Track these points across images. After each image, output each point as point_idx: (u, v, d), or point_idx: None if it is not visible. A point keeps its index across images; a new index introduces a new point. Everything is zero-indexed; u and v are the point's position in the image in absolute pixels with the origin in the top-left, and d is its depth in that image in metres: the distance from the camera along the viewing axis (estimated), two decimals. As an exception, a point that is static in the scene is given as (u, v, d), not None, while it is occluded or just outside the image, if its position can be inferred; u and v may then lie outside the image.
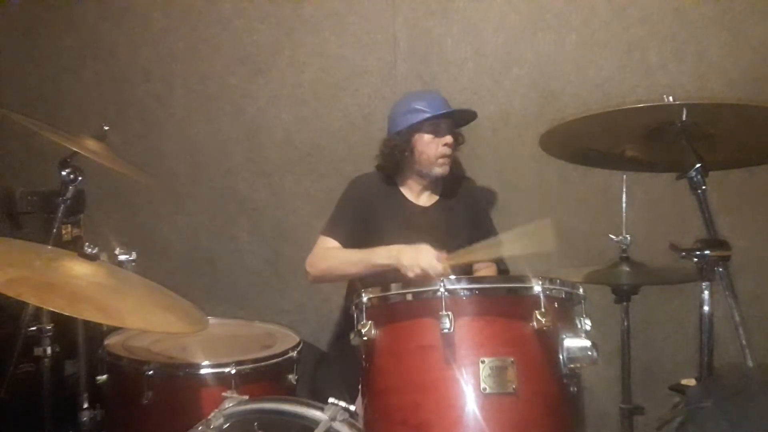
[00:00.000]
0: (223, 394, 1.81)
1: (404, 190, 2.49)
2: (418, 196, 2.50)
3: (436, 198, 2.51)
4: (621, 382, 2.34)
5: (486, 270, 2.53)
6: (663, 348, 2.79)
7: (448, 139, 2.40)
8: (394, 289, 1.60)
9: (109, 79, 3.27)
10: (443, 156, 2.40)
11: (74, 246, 2.39)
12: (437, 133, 2.40)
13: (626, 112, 1.69)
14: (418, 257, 2.06)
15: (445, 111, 2.41)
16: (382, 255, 2.17)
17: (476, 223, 2.50)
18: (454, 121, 2.46)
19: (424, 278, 2.02)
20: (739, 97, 2.64)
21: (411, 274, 2.05)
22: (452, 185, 2.54)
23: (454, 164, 2.52)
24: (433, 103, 2.42)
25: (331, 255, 2.32)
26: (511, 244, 2.12)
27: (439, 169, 2.42)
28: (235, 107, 3.16)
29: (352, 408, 1.65)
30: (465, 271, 2.45)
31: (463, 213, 2.49)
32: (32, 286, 1.50)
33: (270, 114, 3.13)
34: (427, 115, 2.38)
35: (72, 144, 2.03)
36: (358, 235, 2.32)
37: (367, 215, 2.39)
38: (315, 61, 3.08)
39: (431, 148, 2.40)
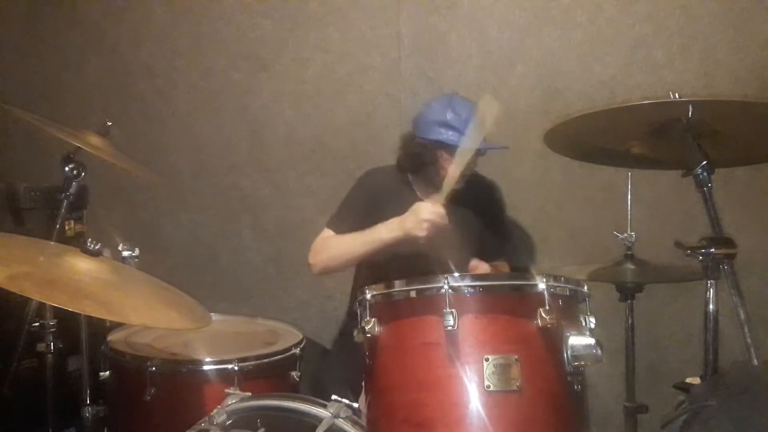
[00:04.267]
0: (226, 390, 1.81)
1: (416, 188, 2.48)
2: (430, 194, 2.47)
3: None
4: (625, 380, 2.34)
5: (499, 268, 2.51)
6: (667, 346, 2.79)
7: (470, 170, 2.36)
8: (398, 286, 1.59)
9: (112, 75, 3.27)
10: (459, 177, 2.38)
11: (77, 242, 2.39)
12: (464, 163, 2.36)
13: (632, 109, 1.69)
14: (419, 215, 2.10)
15: (479, 146, 2.30)
16: (385, 230, 2.19)
17: (487, 221, 2.48)
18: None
19: (434, 232, 2.08)
20: (745, 94, 2.63)
21: (422, 233, 2.07)
22: (464, 184, 2.50)
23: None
24: (472, 130, 2.28)
25: (332, 243, 2.33)
26: (471, 139, 2.16)
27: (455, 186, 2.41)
28: (238, 103, 3.16)
29: (356, 405, 1.65)
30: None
31: (474, 211, 2.47)
32: (35, 282, 1.50)
33: (273, 110, 3.13)
34: (458, 141, 2.29)
35: (75, 140, 2.02)
36: (363, 230, 2.31)
37: (375, 210, 2.38)
38: (319, 58, 3.07)
39: (453, 169, 2.37)
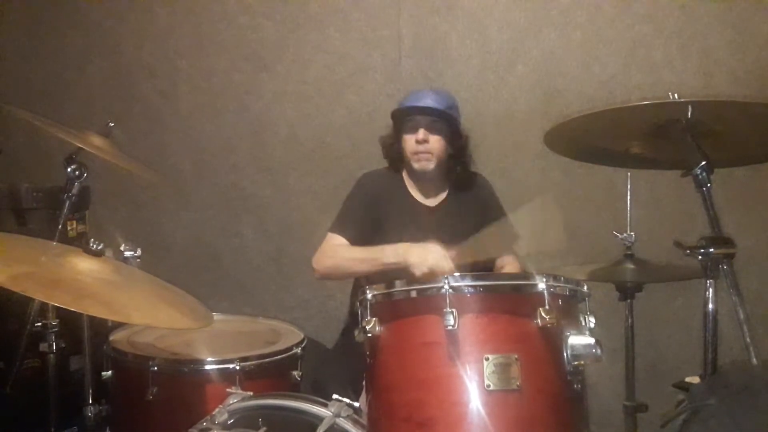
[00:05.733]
0: (228, 390, 1.82)
1: (411, 188, 2.48)
2: (426, 194, 2.47)
3: (444, 196, 2.48)
4: (625, 379, 2.34)
5: (510, 267, 2.49)
6: (667, 345, 2.79)
7: (419, 135, 2.35)
8: (399, 286, 1.59)
9: (114, 76, 3.27)
10: (416, 153, 2.37)
11: (79, 242, 2.41)
12: (411, 129, 2.38)
13: (631, 110, 1.69)
14: (426, 256, 2.04)
15: (407, 105, 2.39)
16: (390, 253, 2.16)
17: (486, 221, 2.46)
18: (447, 118, 2.40)
19: (431, 277, 2.02)
20: (744, 94, 2.64)
21: (418, 273, 2.04)
22: (462, 182, 2.50)
23: (463, 162, 2.48)
24: (419, 99, 2.37)
25: (338, 252, 2.32)
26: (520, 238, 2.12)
27: (416, 165, 2.38)
28: (239, 104, 3.16)
29: (356, 404, 1.65)
30: (486, 268, 2.44)
31: (473, 211, 2.46)
32: (38, 282, 1.51)
33: (274, 111, 3.13)
34: (399, 108, 2.40)
35: (77, 140, 2.03)
36: (366, 233, 2.32)
37: (374, 212, 2.38)
38: (319, 58, 3.08)
39: (408, 144, 2.38)
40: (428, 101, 2.37)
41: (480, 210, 2.47)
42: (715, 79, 2.71)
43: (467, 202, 2.48)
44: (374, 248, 2.22)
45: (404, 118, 2.40)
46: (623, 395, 2.35)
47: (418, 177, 2.45)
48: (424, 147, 2.36)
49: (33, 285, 1.49)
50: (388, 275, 2.08)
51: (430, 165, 2.38)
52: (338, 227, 2.36)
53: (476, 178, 2.55)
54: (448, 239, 2.11)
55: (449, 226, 2.35)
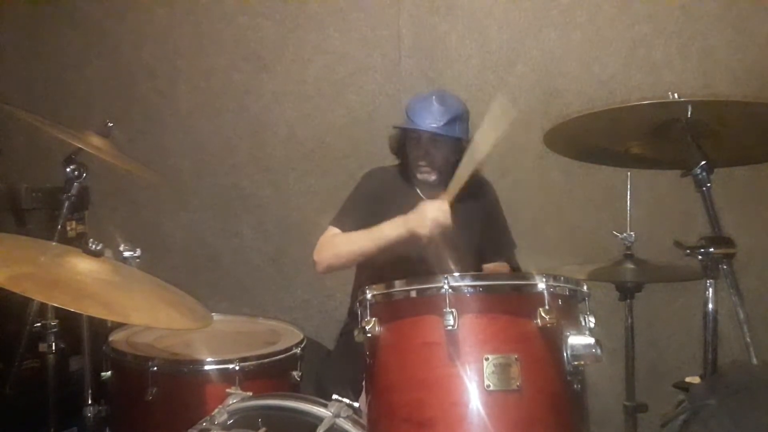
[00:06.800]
0: (227, 390, 1.81)
1: (418, 187, 2.48)
2: (433, 194, 2.47)
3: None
4: (625, 379, 2.34)
5: (498, 269, 2.51)
6: (667, 345, 2.79)
7: (419, 152, 2.37)
8: (398, 286, 1.59)
9: (114, 76, 3.28)
10: (417, 166, 2.39)
11: (79, 242, 2.38)
12: (413, 142, 2.39)
13: (631, 109, 1.69)
14: (424, 214, 2.09)
15: (414, 127, 2.34)
16: (389, 227, 2.17)
17: (489, 223, 2.47)
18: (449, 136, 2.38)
19: (440, 230, 2.07)
20: (744, 94, 2.63)
21: (426, 232, 2.07)
22: (469, 186, 2.51)
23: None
24: (422, 113, 2.32)
25: (337, 240, 2.33)
26: (482, 140, 2.14)
27: (419, 176, 2.40)
28: (239, 104, 3.17)
29: (356, 405, 1.65)
30: (477, 269, 2.44)
31: (477, 214, 2.46)
32: (37, 282, 1.50)
33: (274, 111, 3.14)
34: (406, 125, 2.36)
35: (76, 141, 2.03)
36: (366, 228, 2.32)
37: (378, 209, 2.38)
38: (319, 58, 3.08)
39: (412, 154, 2.40)
40: (431, 117, 2.31)
41: (484, 214, 2.49)
42: (715, 78, 2.71)
43: (473, 205, 2.47)
44: (372, 229, 2.22)
45: (409, 130, 2.38)
46: (623, 395, 2.35)
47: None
48: (424, 162, 2.37)
49: (32, 285, 1.49)
50: (388, 269, 2.10)
51: (431, 177, 2.39)
52: (338, 221, 2.37)
53: (484, 184, 2.56)
54: (453, 239, 2.12)
55: (455, 225, 2.35)
